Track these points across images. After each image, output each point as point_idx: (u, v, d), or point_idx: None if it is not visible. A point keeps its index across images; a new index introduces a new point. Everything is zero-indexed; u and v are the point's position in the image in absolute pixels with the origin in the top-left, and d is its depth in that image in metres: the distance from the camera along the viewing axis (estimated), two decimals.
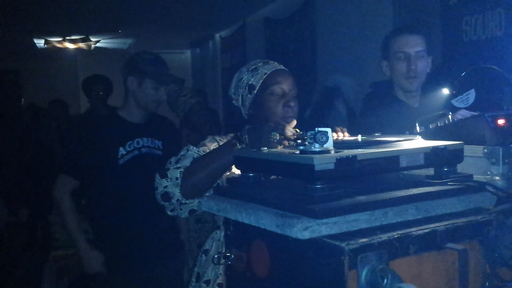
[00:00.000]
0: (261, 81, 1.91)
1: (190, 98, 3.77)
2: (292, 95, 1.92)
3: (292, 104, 1.90)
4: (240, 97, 1.98)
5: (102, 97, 4.83)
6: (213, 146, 1.90)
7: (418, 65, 2.34)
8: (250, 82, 1.94)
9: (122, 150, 2.55)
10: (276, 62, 2.02)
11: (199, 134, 3.64)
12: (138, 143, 2.60)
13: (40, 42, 9.14)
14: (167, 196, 1.75)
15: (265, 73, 1.92)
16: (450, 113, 1.70)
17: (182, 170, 1.75)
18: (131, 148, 2.57)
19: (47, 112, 5.94)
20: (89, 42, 9.27)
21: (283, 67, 2.00)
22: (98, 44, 9.57)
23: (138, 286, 2.57)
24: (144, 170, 2.51)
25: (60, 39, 8.94)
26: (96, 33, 8.68)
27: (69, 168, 2.62)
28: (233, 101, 2.04)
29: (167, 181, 1.75)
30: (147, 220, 2.60)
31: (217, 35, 8.95)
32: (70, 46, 9.33)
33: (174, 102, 3.80)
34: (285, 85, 1.91)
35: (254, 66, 1.97)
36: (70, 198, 2.61)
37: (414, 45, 2.35)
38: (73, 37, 8.92)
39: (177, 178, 1.74)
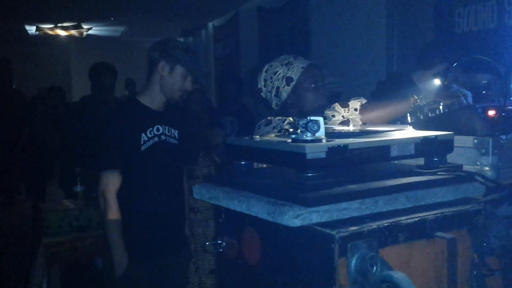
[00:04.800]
0: (299, 74, 2.12)
1: None
2: (323, 86, 2.17)
3: (326, 93, 2.16)
4: (275, 89, 2.16)
5: (111, 85, 4.83)
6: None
7: None
8: (287, 75, 2.13)
9: (144, 136, 2.53)
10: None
11: (197, 122, 3.62)
12: (158, 130, 2.58)
13: (31, 29, 9.07)
14: None
15: (303, 67, 2.13)
16: (441, 104, 1.72)
17: None
18: (151, 135, 2.56)
19: (43, 99, 5.92)
20: (81, 30, 9.21)
21: (313, 62, 2.22)
22: (90, 32, 9.51)
23: (150, 275, 2.57)
24: (162, 158, 2.59)
25: (52, 26, 8.87)
26: (88, 20, 8.62)
27: (112, 163, 2.50)
28: (262, 93, 2.22)
29: None
30: (166, 207, 2.62)
31: (210, 24, 8.91)
32: (62, 33, 9.26)
33: None
34: (320, 78, 2.16)
35: (287, 61, 2.17)
36: (115, 197, 2.49)
37: None
38: (65, 24, 8.85)
39: None
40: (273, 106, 2.23)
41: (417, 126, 1.52)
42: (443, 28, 3.36)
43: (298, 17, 5.63)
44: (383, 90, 2.85)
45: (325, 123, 1.76)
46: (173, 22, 8.92)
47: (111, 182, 2.48)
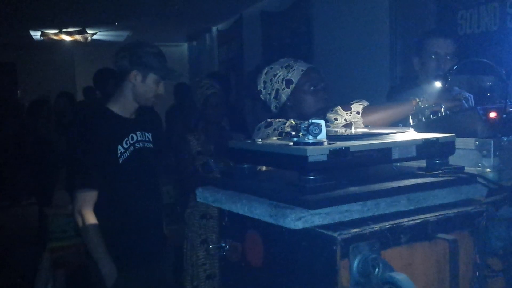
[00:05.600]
0: (299, 77, 2.14)
1: (206, 89, 3.59)
2: (323, 89, 2.18)
3: (325, 96, 2.15)
4: (274, 91, 2.18)
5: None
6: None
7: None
8: (287, 78, 2.15)
9: (120, 148, 2.46)
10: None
11: (216, 128, 3.60)
12: (132, 138, 2.51)
13: (36, 34, 9.11)
14: None
15: (303, 70, 2.15)
16: (443, 106, 1.72)
17: None
18: (127, 145, 2.49)
19: (50, 105, 5.94)
20: (86, 35, 9.25)
21: (313, 65, 2.24)
22: (94, 37, 9.55)
23: (140, 279, 2.55)
24: (140, 166, 2.53)
25: (56, 31, 8.91)
26: (93, 25, 8.66)
27: (88, 182, 2.41)
28: (261, 95, 2.23)
29: None
30: (147, 214, 2.58)
31: (214, 28, 8.94)
32: (67, 38, 9.30)
33: (194, 93, 3.71)
34: (319, 81, 2.17)
35: (287, 64, 2.19)
36: (93, 213, 2.41)
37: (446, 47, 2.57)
38: (69, 29, 8.89)
39: None
40: (272, 108, 2.24)
41: (419, 128, 1.53)
42: (446, 31, 3.36)
43: (301, 21, 5.64)
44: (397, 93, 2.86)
45: (327, 126, 1.77)
46: (177, 27, 8.96)
47: (88, 201, 2.41)
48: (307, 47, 5.51)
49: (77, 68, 11.01)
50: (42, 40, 9.36)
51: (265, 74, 2.22)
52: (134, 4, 6.83)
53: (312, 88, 2.15)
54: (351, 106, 1.90)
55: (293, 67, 2.17)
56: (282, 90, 2.17)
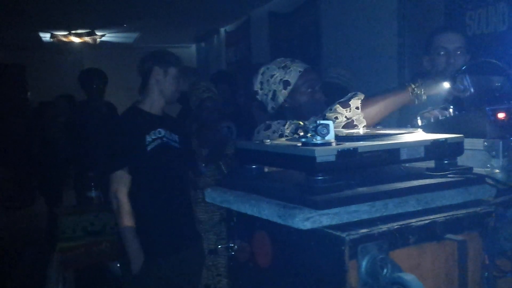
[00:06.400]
0: (296, 78, 2.13)
1: (202, 92, 3.56)
2: (320, 90, 2.18)
3: (321, 98, 2.16)
4: (271, 92, 2.16)
5: (101, 90, 4.92)
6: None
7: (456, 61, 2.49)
8: (285, 79, 2.13)
9: (148, 138, 2.67)
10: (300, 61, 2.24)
11: (209, 131, 3.49)
12: (160, 132, 2.73)
13: (46, 36, 9.17)
14: None
15: (300, 71, 2.14)
16: (451, 106, 1.72)
17: None
18: (155, 137, 2.70)
19: (52, 106, 6.00)
20: (95, 36, 9.29)
21: (309, 66, 2.23)
22: (103, 38, 9.59)
23: (165, 270, 2.66)
24: (167, 158, 2.72)
25: (66, 33, 8.96)
26: (102, 27, 8.70)
27: (120, 163, 2.63)
28: (258, 96, 2.22)
29: None
30: (176, 205, 2.76)
31: (222, 30, 8.95)
32: (76, 40, 9.35)
33: (189, 95, 3.64)
34: (317, 82, 2.18)
35: (284, 64, 2.17)
36: (127, 197, 2.61)
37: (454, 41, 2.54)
38: (78, 31, 8.94)
39: None
40: (268, 109, 2.22)
41: (428, 128, 1.53)
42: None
43: (310, 22, 5.64)
44: None
45: None
46: (185, 28, 8.97)
47: (122, 182, 2.61)
48: (316, 48, 5.50)
49: None
50: (51, 41, 9.41)
51: (262, 74, 2.20)
52: (143, 6, 6.86)
53: (309, 89, 2.14)
54: (350, 102, 1.83)
55: (290, 68, 2.15)
56: (280, 91, 2.15)
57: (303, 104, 2.13)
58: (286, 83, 2.13)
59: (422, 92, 1.77)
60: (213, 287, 3.41)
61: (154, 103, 2.77)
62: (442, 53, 2.52)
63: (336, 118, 1.82)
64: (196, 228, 2.99)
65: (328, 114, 1.83)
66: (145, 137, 2.66)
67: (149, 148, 2.66)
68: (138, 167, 2.65)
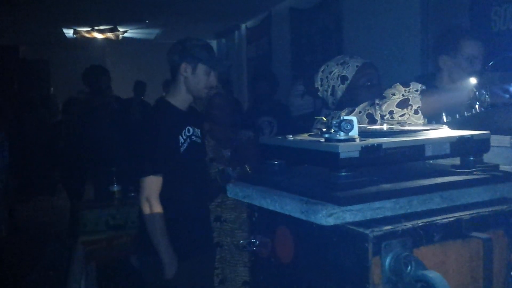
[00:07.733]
0: (353, 73, 2.16)
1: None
2: (378, 84, 2.19)
3: (380, 91, 2.10)
4: (331, 88, 2.21)
5: (107, 87, 4.97)
6: None
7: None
8: (342, 74, 2.18)
9: (181, 139, 2.57)
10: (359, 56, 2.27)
11: (222, 128, 3.41)
12: (188, 131, 2.63)
13: (69, 32, 9.27)
14: None
15: (357, 66, 2.18)
16: (478, 103, 1.69)
17: None
18: (186, 137, 2.60)
19: (79, 101, 6.07)
20: (117, 32, 9.37)
21: (368, 61, 2.26)
22: (125, 34, 9.67)
23: (191, 269, 2.59)
24: (196, 157, 2.67)
25: (88, 29, 9.06)
26: (124, 23, 8.77)
27: (155, 168, 2.50)
28: (318, 93, 2.27)
29: None
30: (204, 205, 2.75)
31: (243, 26, 8.95)
32: (99, 36, 9.45)
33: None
34: (375, 76, 2.20)
35: (343, 60, 2.22)
36: (159, 202, 2.49)
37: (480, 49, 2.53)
38: (101, 27, 9.02)
39: None
40: (329, 105, 2.27)
41: (453, 125, 1.51)
42: (479, 27, 3.31)
43: (331, 17, 5.61)
44: None
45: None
46: (206, 24, 8.99)
47: (155, 187, 2.49)
48: (337, 44, 5.46)
49: (108, 66, 11.17)
50: (74, 37, 9.52)
51: (322, 71, 2.25)
52: (165, 2, 6.90)
53: (368, 83, 2.17)
54: (410, 83, 1.84)
55: (348, 63, 2.20)
56: (338, 86, 2.20)
57: (361, 98, 2.11)
58: (343, 78, 2.18)
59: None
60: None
61: (182, 99, 2.63)
62: (467, 58, 2.50)
63: (394, 94, 1.82)
64: (211, 225, 2.93)
65: (386, 91, 1.84)
66: (178, 138, 2.56)
67: (182, 149, 2.56)
68: (171, 169, 2.53)
